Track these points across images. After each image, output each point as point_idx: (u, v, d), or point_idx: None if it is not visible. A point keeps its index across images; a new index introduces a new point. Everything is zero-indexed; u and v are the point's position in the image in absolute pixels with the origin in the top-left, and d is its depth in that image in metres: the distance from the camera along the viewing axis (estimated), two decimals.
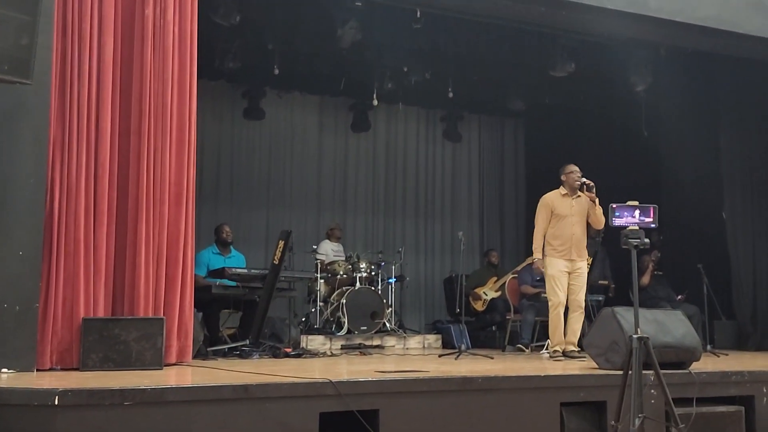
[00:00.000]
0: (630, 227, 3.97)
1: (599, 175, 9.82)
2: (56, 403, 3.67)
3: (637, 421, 3.44)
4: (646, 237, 3.93)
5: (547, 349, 6.96)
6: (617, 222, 4.04)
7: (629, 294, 8.78)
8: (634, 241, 3.90)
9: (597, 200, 6.71)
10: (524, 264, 8.64)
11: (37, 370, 4.90)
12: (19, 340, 4.82)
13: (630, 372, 3.59)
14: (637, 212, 4.03)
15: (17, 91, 4.86)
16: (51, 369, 5.03)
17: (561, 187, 6.88)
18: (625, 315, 5.23)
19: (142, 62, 5.56)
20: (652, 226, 4.09)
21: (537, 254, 6.77)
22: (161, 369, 5.13)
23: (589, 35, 7.85)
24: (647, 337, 3.76)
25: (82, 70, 5.34)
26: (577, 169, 6.87)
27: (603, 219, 6.78)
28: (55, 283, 5.08)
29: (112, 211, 5.39)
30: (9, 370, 4.73)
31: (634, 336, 3.73)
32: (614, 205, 4.10)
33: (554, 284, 6.63)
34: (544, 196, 6.92)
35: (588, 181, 6.71)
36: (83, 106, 5.31)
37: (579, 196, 6.80)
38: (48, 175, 5.11)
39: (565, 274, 6.65)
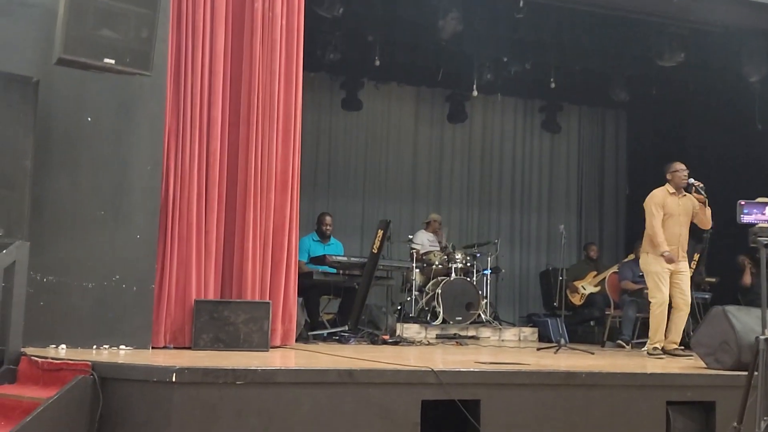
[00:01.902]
0: (760, 225, 3.80)
1: (707, 170, 9.50)
2: (173, 379, 3.82)
3: (763, 424, 3.32)
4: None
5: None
6: (746, 219, 3.86)
7: (735, 293, 8.51)
8: (765, 239, 3.73)
9: (707, 201, 6.47)
10: (626, 259, 8.46)
11: (152, 348, 5.15)
12: (137, 319, 5.08)
13: (756, 373, 3.46)
14: (767, 209, 3.85)
15: (136, 82, 5.10)
16: (165, 347, 5.29)
17: (667, 184, 6.67)
18: (737, 314, 5.06)
19: (252, 54, 5.73)
20: None
21: (665, 246, 6.47)
22: (267, 351, 5.30)
23: (700, 24, 7.57)
24: None
25: (195, 62, 5.56)
26: (683, 167, 6.66)
27: (710, 220, 6.58)
28: (169, 265, 5.33)
29: (222, 198, 5.60)
30: (126, 346, 4.99)
31: (762, 337, 3.59)
32: (742, 202, 3.92)
33: (658, 281, 6.45)
34: (653, 193, 6.69)
35: (697, 183, 6.48)
36: (196, 97, 5.53)
37: (684, 195, 6.60)
38: (164, 163, 5.34)
39: (668, 272, 6.48)
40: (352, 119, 10.64)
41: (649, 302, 6.55)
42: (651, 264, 6.53)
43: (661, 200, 6.59)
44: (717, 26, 7.52)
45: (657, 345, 6.47)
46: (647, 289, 6.70)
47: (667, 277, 6.47)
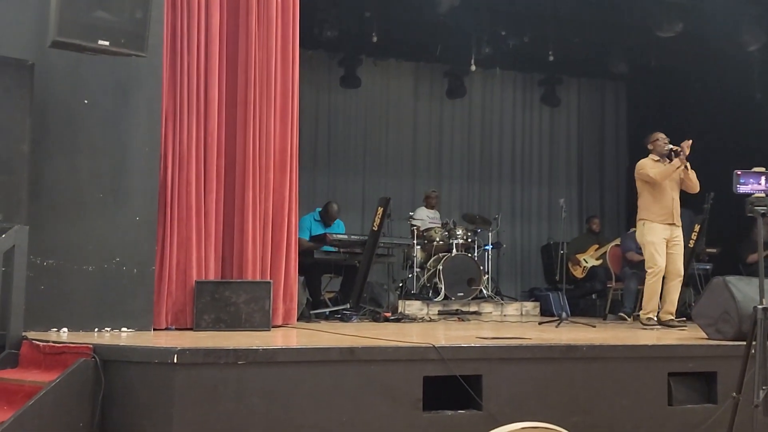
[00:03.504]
0: (756, 194, 3.81)
1: (707, 141, 9.43)
2: (175, 361, 3.84)
3: (762, 393, 3.33)
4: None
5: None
6: (742, 189, 3.86)
7: (737, 264, 8.50)
8: (761, 209, 3.73)
9: (688, 165, 6.50)
10: (630, 231, 8.42)
11: (154, 330, 5.16)
12: (137, 301, 5.09)
13: (754, 343, 3.47)
14: (763, 179, 3.85)
15: (132, 64, 5.06)
16: (166, 329, 5.30)
17: (650, 155, 6.71)
18: (737, 284, 5.06)
19: (247, 33, 5.69)
20: None
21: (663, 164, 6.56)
22: (269, 330, 5.32)
23: None
24: None
25: (191, 42, 5.51)
26: (663, 136, 6.72)
27: (697, 183, 6.60)
28: (169, 247, 5.33)
29: (220, 179, 5.58)
30: (128, 329, 5.00)
31: (759, 307, 3.60)
32: (738, 172, 3.92)
33: (655, 251, 6.49)
34: (640, 162, 6.75)
35: (676, 147, 6.51)
36: (193, 78, 5.50)
37: (668, 163, 6.61)
38: (161, 145, 5.32)
39: (664, 241, 6.50)
40: (350, 96, 10.60)
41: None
42: (647, 234, 6.56)
43: (652, 165, 6.63)
44: None
45: (651, 315, 6.51)
46: None
47: (664, 246, 6.50)
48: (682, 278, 6.61)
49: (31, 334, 4.43)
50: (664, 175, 6.48)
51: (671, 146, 6.57)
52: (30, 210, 4.76)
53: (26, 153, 4.78)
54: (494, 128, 11.28)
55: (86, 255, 4.97)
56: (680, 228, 6.62)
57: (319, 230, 7.67)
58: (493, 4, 8.20)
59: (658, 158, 6.67)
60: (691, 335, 5.59)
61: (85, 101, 5.08)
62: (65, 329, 4.81)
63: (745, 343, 3.79)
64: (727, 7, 7.68)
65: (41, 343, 4.24)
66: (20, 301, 4.37)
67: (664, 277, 6.60)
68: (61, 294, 4.89)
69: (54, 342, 4.25)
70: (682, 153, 6.48)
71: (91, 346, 4.03)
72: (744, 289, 5.08)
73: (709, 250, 8.53)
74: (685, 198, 6.89)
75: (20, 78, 4.80)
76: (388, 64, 10.69)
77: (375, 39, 8.64)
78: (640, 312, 6.69)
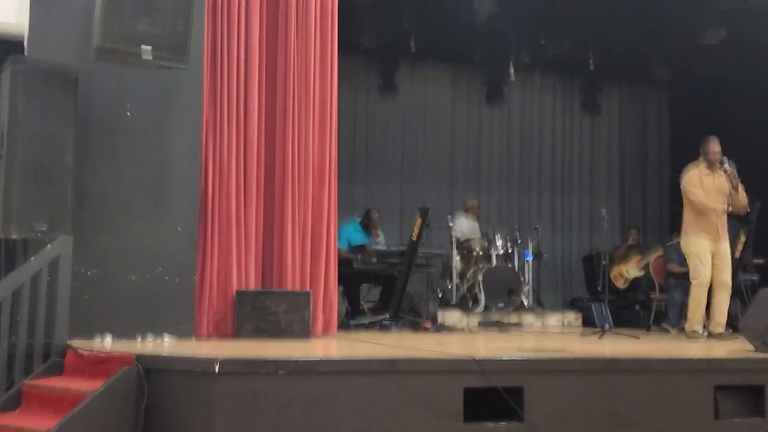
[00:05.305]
0: None
1: (751, 150, 9.26)
2: (217, 370, 3.86)
3: None
4: None
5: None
6: None
7: None
8: None
9: (738, 182, 6.32)
10: (671, 242, 8.27)
11: (195, 338, 5.21)
12: (179, 309, 5.15)
13: None
14: None
15: (173, 75, 5.13)
16: (207, 337, 5.34)
17: (702, 163, 6.52)
18: None
19: (287, 44, 5.73)
20: None
21: (711, 203, 6.38)
22: (309, 340, 5.33)
23: None
24: None
25: (231, 54, 5.57)
26: (716, 148, 6.47)
27: (746, 199, 6.44)
28: (210, 256, 5.38)
29: (260, 190, 5.63)
30: (170, 335, 5.05)
31: None
32: None
33: (699, 262, 6.37)
34: (689, 171, 6.55)
35: (728, 169, 6.34)
36: (233, 89, 5.55)
37: (720, 175, 6.45)
38: (202, 155, 5.37)
39: (710, 253, 6.36)
40: (388, 104, 10.56)
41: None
42: (692, 245, 6.44)
43: (697, 179, 6.46)
44: (760, 1, 7.30)
45: (696, 328, 6.37)
46: None
47: (709, 257, 6.36)
48: (730, 290, 6.47)
49: (75, 342, 4.49)
50: (704, 207, 6.34)
51: (725, 164, 6.36)
52: (74, 220, 4.84)
53: (70, 163, 4.87)
54: (534, 136, 11.15)
55: (129, 264, 5.05)
56: (727, 241, 6.47)
57: (358, 239, 7.67)
58: (532, 10, 8.14)
59: (707, 168, 6.49)
60: (739, 347, 5.45)
61: (128, 112, 5.16)
62: (108, 337, 4.87)
63: None
64: None
65: (86, 352, 4.29)
66: (65, 310, 4.45)
67: (712, 290, 6.47)
68: (105, 303, 4.96)
69: (98, 351, 4.30)
70: (733, 177, 6.30)
71: (134, 354, 4.07)
72: None
73: (755, 260, 8.34)
74: None
75: (65, 90, 4.89)
76: (426, 71, 10.64)
77: (413, 46, 8.63)
78: (686, 324, 6.56)
